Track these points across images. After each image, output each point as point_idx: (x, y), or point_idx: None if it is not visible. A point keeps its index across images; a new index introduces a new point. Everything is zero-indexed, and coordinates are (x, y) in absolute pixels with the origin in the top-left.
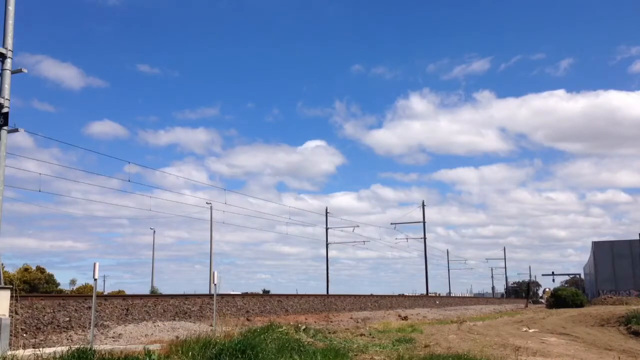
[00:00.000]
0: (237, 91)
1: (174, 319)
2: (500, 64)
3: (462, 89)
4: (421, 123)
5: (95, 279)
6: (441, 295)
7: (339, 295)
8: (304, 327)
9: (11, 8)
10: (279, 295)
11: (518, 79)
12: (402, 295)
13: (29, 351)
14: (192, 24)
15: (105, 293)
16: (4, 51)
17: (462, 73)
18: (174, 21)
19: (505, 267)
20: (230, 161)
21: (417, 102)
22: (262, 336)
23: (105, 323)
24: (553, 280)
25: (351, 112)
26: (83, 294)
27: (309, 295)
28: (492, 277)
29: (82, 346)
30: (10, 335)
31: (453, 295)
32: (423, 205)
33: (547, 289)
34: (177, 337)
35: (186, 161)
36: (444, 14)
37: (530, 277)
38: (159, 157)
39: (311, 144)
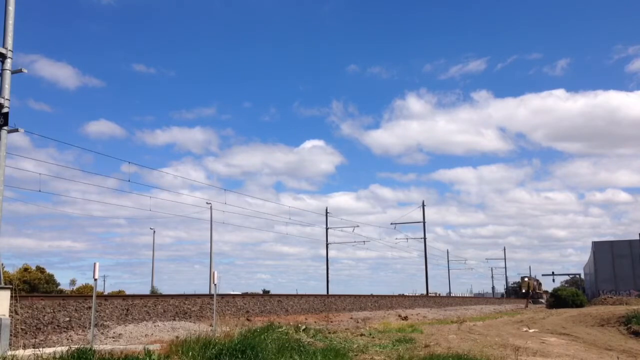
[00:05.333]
0: (234, 91)
1: (174, 319)
2: (496, 64)
3: (459, 89)
4: (419, 123)
5: (95, 279)
6: (441, 295)
7: (339, 295)
8: (304, 327)
9: (11, 8)
10: (279, 295)
11: (515, 79)
12: (402, 295)
13: (29, 351)
14: (187, 23)
15: (105, 293)
16: (4, 51)
17: (459, 73)
18: (169, 20)
19: (505, 267)
20: (227, 161)
21: (414, 102)
22: (262, 336)
23: (105, 323)
24: (553, 280)
25: (348, 112)
26: (83, 294)
27: (309, 295)
28: (492, 277)
29: (82, 346)
30: (10, 335)
31: (453, 295)
32: (423, 205)
33: (525, 278)
34: (177, 337)
35: (184, 161)
36: (439, 14)
37: (540, 281)
38: (157, 157)
39: (309, 143)
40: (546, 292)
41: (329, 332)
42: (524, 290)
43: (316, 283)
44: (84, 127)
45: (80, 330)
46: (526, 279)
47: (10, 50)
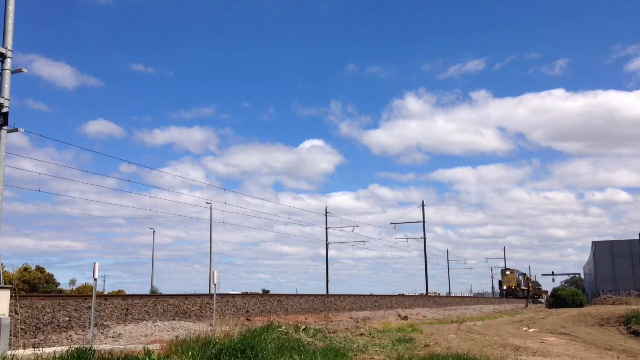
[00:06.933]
0: (233, 90)
1: (174, 319)
2: (495, 63)
3: (458, 89)
4: (418, 123)
5: (95, 279)
6: (441, 295)
7: (339, 295)
8: (304, 327)
9: (11, 8)
10: (279, 295)
11: (514, 79)
12: (402, 295)
13: (29, 351)
14: (186, 23)
15: (105, 293)
16: (4, 51)
17: (458, 73)
18: (168, 20)
19: (506, 267)
20: (226, 160)
21: (413, 102)
22: (262, 336)
23: (105, 323)
24: (553, 280)
25: (347, 112)
26: (83, 294)
27: (309, 295)
28: (492, 277)
29: (82, 346)
30: (11, 335)
31: (453, 295)
32: (423, 205)
33: (507, 272)
34: (177, 337)
35: (183, 161)
36: (438, 14)
37: (530, 277)
38: (156, 157)
39: (308, 143)
40: (537, 287)
41: (329, 332)
42: (505, 287)
43: (316, 283)
44: (82, 127)
45: (80, 330)
46: (508, 273)
47: (10, 50)
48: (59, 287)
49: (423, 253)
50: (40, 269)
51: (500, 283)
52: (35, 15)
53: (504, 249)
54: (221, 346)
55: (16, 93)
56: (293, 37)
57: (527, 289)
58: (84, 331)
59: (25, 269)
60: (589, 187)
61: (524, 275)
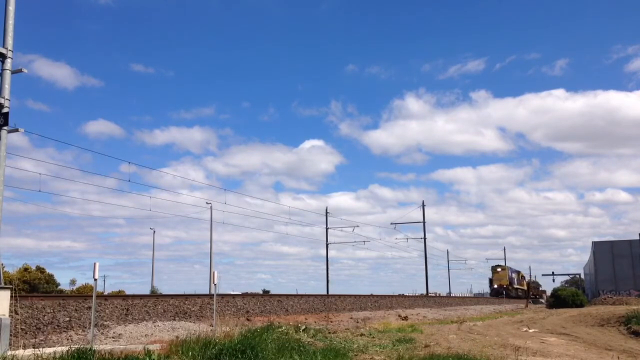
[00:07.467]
0: (232, 90)
1: (174, 319)
2: (495, 63)
3: (458, 89)
4: (418, 123)
5: (95, 279)
6: (441, 295)
7: (339, 295)
8: (304, 327)
9: (11, 8)
10: (279, 295)
11: (514, 79)
12: (402, 295)
13: (29, 351)
14: (186, 23)
15: (105, 293)
16: (4, 51)
17: (458, 73)
18: (168, 20)
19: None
20: (226, 160)
21: (413, 102)
22: (262, 336)
23: (105, 323)
24: (553, 280)
25: (347, 112)
26: (83, 294)
27: (309, 295)
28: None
29: (82, 346)
30: (10, 335)
31: (453, 295)
32: (423, 205)
33: (498, 269)
34: (177, 337)
35: (183, 161)
36: (437, 14)
37: (530, 277)
38: (156, 157)
39: (308, 143)
40: (536, 287)
41: (329, 332)
42: (495, 286)
43: (316, 283)
44: (82, 127)
45: (80, 330)
46: (499, 270)
47: (10, 50)
48: (59, 287)
49: (423, 253)
50: (40, 269)
51: (491, 281)
52: (35, 15)
53: (504, 249)
54: (221, 346)
55: (16, 93)
56: (293, 37)
57: (521, 287)
58: (84, 331)
59: (25, 269)
60: (589, 187)
61: (518, 272)
